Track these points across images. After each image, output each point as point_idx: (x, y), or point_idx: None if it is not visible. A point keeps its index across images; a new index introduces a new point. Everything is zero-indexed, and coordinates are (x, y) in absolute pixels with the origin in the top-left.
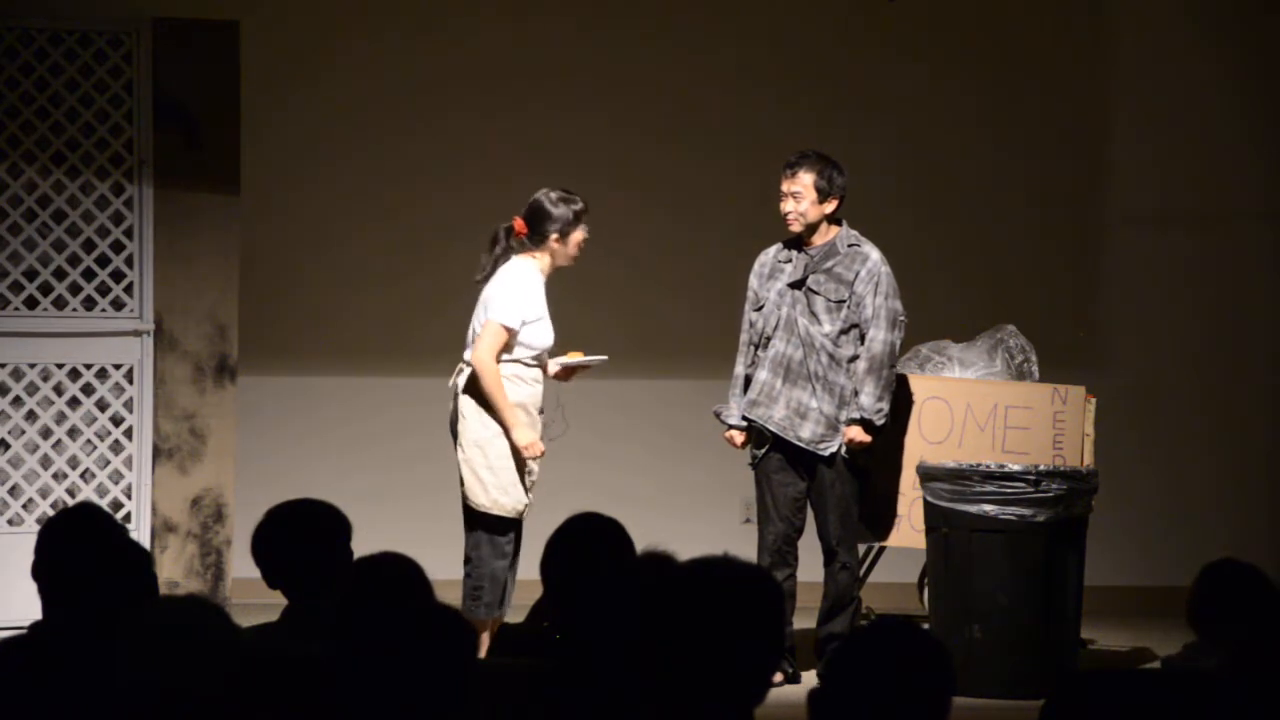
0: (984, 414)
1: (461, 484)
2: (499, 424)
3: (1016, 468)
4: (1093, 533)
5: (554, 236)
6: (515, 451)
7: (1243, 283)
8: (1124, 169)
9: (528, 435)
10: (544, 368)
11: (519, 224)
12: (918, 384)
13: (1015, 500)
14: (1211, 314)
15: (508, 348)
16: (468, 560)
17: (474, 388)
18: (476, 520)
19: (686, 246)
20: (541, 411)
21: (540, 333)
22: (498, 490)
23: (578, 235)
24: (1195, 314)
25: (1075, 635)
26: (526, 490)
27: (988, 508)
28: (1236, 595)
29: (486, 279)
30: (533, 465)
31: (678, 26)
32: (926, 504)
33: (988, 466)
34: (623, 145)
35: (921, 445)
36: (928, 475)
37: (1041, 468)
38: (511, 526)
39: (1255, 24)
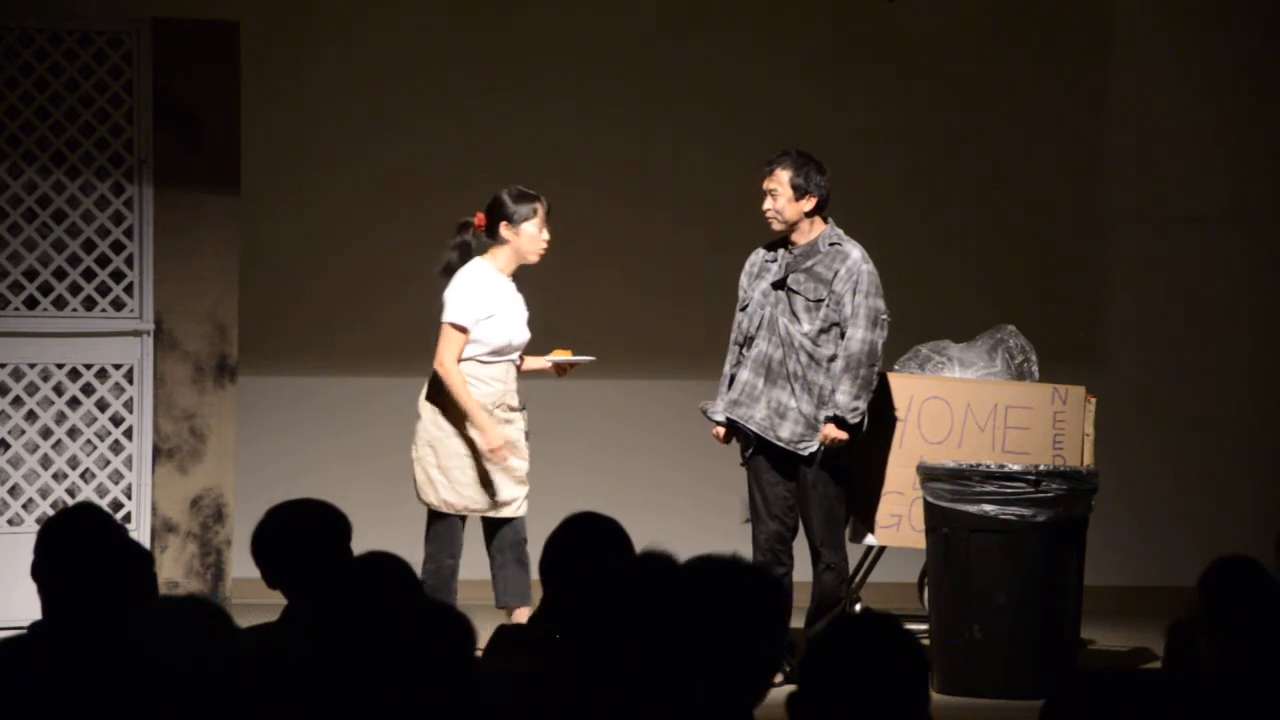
0: (984, 414)
1: (414, 482)
2: (452, 426)
3: (1016, 468)
4: (1093, 533)
5: (507, 227)
6: (476, 451)
7: (1242, 282)
8: (1123, 169)
9: (498, 437)
10: (517, 365)
11: (480, 218)
12: (918, 384)
13: (1015, 500)
14: (1211, 313)
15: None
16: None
17: (433, 391)
18: (430, 517)
19: (680, 247)
20: (523, 408)
21: (496, 330)
22: (446, 489)
23: (532, 228)
24: (1194, 313)
25: (1075, 635)
26: (491, 488)
27: (988, 508)
28: (1236, 595)
29: (445, 270)
30: (515, 462)
31: (675, 26)
32: (926, 504)
33: (988, 466)
34: (634, 146)
35: (921, 445)
36: (928, 475)
37: (1041, 468)
38: (460, 525)
39: (1255, 24)
